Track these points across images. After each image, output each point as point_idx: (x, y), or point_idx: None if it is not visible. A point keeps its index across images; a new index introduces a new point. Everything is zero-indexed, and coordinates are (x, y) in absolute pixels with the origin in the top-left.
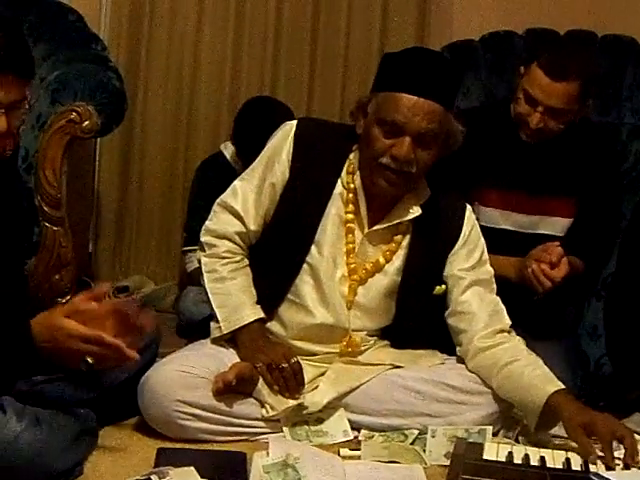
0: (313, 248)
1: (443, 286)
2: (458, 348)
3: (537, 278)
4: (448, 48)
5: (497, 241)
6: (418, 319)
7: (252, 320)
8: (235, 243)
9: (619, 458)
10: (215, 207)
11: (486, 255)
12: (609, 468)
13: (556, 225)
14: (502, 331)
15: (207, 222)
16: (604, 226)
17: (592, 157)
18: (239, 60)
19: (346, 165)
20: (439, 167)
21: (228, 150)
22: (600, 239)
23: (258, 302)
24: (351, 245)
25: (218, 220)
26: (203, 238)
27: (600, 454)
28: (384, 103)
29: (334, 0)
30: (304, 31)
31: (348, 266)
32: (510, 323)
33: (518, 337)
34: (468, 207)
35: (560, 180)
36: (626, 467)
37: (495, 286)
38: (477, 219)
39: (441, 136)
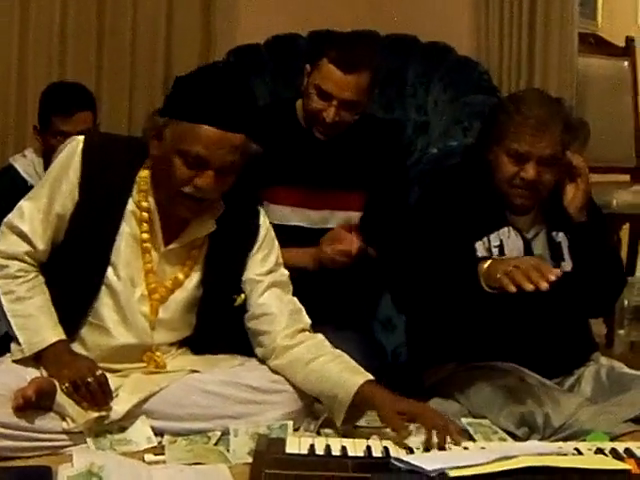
0: (109, 269)
1: (242, 295)
2: (259, 349)
3: (332, 259)
4: (233, 52)
5: (289, 237)
6: (218, 329)
7: (53, 342)
8: (26, 262)
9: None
10: (2, 228)
11: (281, 259)
12: (410, 451)
13: (346, 219)
14: (303, 330)
15: None
16: (393, 218)
17: (379, 151)
18: (25, 79)
19: (137, 183)
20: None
21: (19, 163)
22: (389, 231)
23: (60, 323)
24: (149, 265)
25: (6, 241)
26: None
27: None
28: (186, 134)
29: (118, 6)
30: (90, 38)
31: (148, 286)
32: (310, 322)
33: (320, 335)
34: (262, 213)
35: (349, 174)
36: (426, 450)
37: (292, 287)
38: (268, 217)
39: (241, 163)
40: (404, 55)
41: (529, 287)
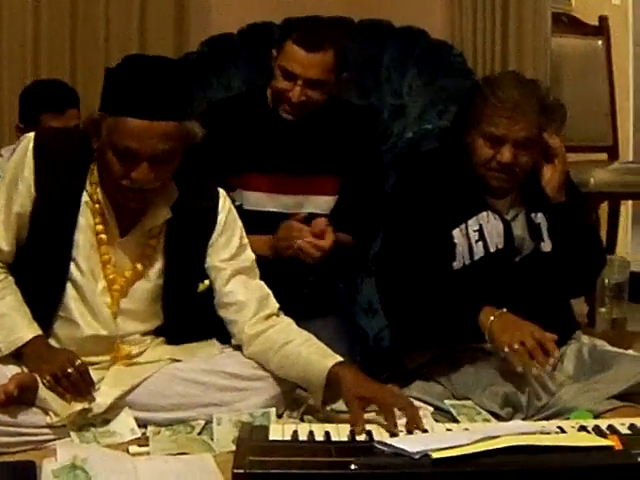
0: (72, 265)
1: (206, 282)
2: (232, 339)
3: (305, 251)
4: (207, 43)
5: (264, 224)
6: (188, 316)
7: (31, 337)
8: None
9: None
10: None
11: (245, 240)
12: (393, 435)
13: (321, 203)
14: (271, 315)
15: None
16: (367, 203)
17: (353, 136)
18: None
19: (89, 175)
20: (189, 161)
21: None
22: (365, 215)
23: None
24: (106, 256)
25: None
26: None
27: (383, 422)
28: (114, 128)
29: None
30: (63, 35)
31: (106, 278)
32: (278, 306)
33: (288, 318)
34: (222, 194)
35: (323, 159)
36: (409, 432)
37: (258, 271)
38: (241, 205)
39: (179, 148)
40: (378, 40)
41: (535, 372)
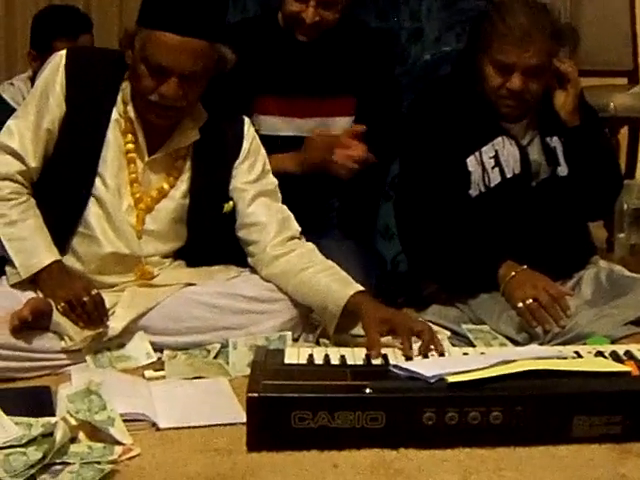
0: (97, 180)
1: (231, 202)
2: (250, 259)
3: (341, 162)
4: None
5: (280, 148)
6: (210, 238)
7: (49, 262)
8: (18, 183)
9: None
10: None
11: (268, 166)
12: (409, 359)
13: (337, 126)
14: (293, 238)
15: None
16: (384, 124)
17: (369, 58)
18: (12, 6)
19: (120, 94)
20: (214, 85)
21: (8, 92)
22: (382, 137)
23: (51, 236)
24: (134, 175)
25: None
26: None
27: (399, 346)
28: (148, 42)
29: None
30: None
31: (133, 196)
32: (300, 229)
33: (310, 243)
34: (247, 121)
35: (338, 80)
36: (425, 356)
37: (280, 195)
38: (258, 129)
39: (209, 70)
40: None
41: (548, 327)
